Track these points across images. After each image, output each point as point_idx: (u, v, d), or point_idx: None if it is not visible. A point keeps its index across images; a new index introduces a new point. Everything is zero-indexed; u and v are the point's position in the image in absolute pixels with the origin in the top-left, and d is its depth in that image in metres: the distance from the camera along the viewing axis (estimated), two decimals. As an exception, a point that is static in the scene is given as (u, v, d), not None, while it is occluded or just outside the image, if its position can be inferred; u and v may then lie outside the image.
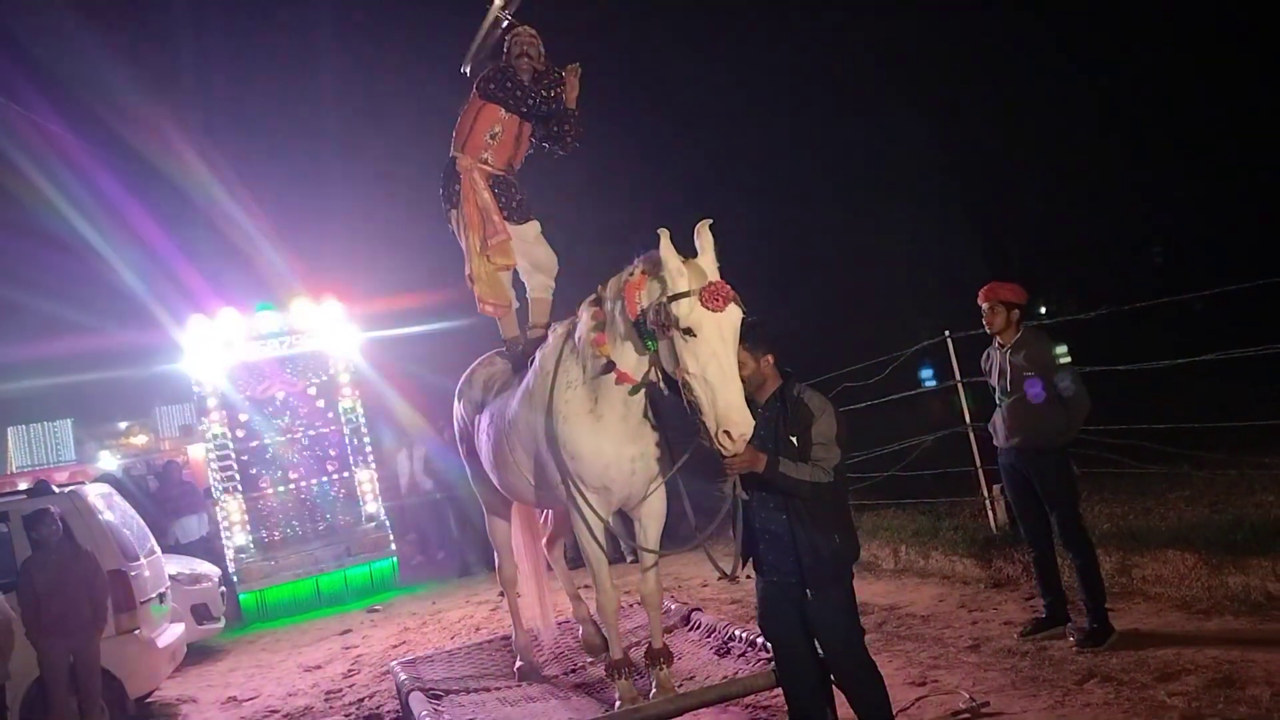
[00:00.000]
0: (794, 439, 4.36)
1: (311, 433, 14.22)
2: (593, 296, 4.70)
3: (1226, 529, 6.96)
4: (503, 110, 5.74)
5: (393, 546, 14.23)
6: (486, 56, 5.96)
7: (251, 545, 13.48)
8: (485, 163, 5.78)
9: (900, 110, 23.34)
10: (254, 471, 13.83)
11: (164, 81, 22.25)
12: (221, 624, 11.40)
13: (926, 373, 9.07)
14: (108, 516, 8.70)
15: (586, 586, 5.55)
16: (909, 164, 23.30)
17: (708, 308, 4.00)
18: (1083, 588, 6.32)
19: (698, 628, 6.07)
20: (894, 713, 4.61)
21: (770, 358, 4.46)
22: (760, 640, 5.05)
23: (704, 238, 4.18)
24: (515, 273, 6.00)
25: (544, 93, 5.71)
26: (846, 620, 4.47)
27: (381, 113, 23.61)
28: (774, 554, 4.50)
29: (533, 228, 5.98)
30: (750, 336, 4.31)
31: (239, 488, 13.62)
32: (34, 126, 17.41)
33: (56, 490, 8.77)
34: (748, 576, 4.87)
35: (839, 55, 22.98)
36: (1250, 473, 8.11)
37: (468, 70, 6.02)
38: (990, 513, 9.04)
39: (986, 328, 6.72)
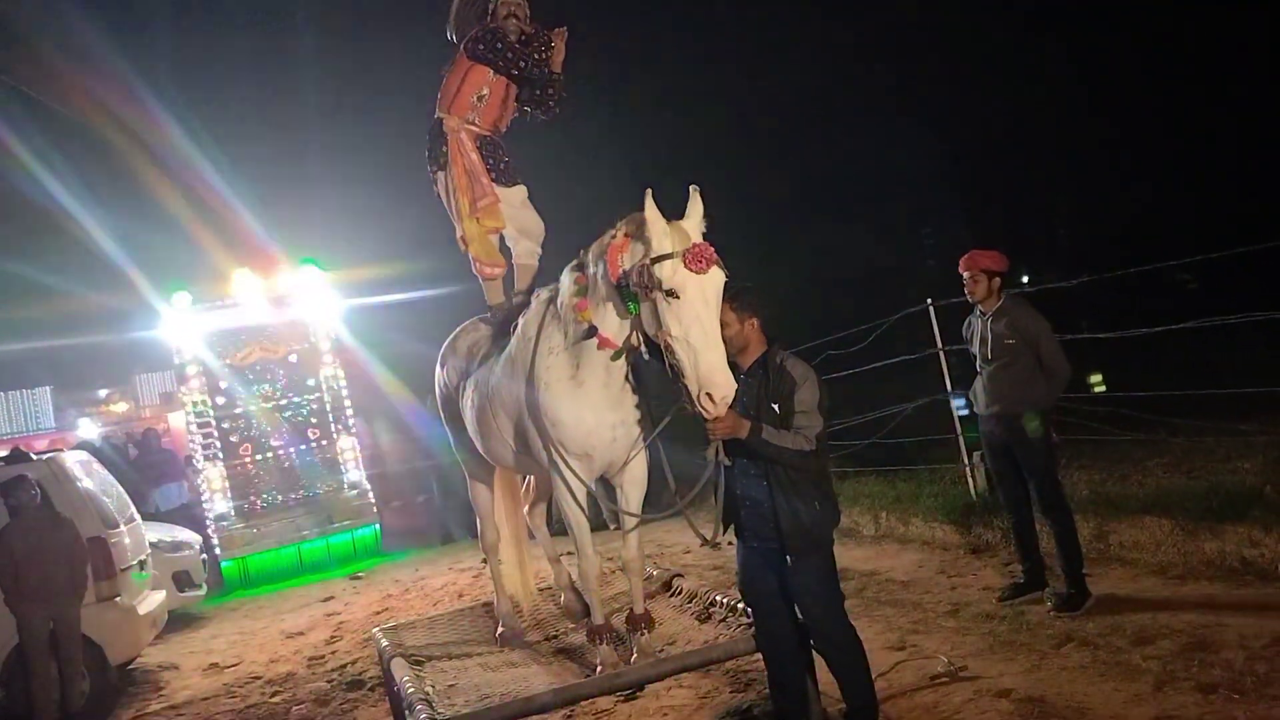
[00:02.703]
0: (776, 406, 4.36)
1: (293, 400, 14.18)
2: (575, 262, 4.67)
3: (1202, 495, 7.02)
4: (491, 72, 5.67)
5: (375, 513, 14.25)
6: (473, 18, 5.85)
7: (233, 513, 13.48)
8: (472, 124, 5.71)
9: (885, 80, 23.27)
10: (235, 439, 13.81)
11: (140, 44, 21.93)
12: (203, 591, 11.40)
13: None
14: (87, 484, 8.66)
15: (569, 553, 5.56)
16: (894, 134, 23.25)
17: (691, 269, 3.97)
18: (1060, 553, 6.38)
19: (679, 593, 6.08)
20: (873, 677, 4.65)
21: (755, 321, 4.46)
22: (741, 606, 5.07)
23: (693, 202, 4.15)
24: (501, 238, 5.95)
25: (535, 55, 5.64)
26: (826, 586, 4.49)
27: (362, 76, 23.35)
28: (754, 520, 4.52)
29: (519, 192, 5.91)
30: (738, 298, 4.31)
31: (220, 455, 13.60)
32: (7, 90, 17.16)
33: (34, 457, 8.72)
34: (729, 543, 4.89)
35: (826, 26, 22.88)
36: (1226, 440, 8.19)
37: (453, 36, 5.92)
38: (970, 479, 9.10)
39: (968, 296, 6.73)
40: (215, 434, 13.67)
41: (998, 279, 6.63)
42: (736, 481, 4.51)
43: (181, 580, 10.84)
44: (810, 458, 4.33)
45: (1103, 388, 12.35)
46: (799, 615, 4.56)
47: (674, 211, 4.16)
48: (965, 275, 6.66)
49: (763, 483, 4.40)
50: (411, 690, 4.96)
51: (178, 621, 10.76)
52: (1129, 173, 22.88)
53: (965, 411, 8.98)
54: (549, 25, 5.77)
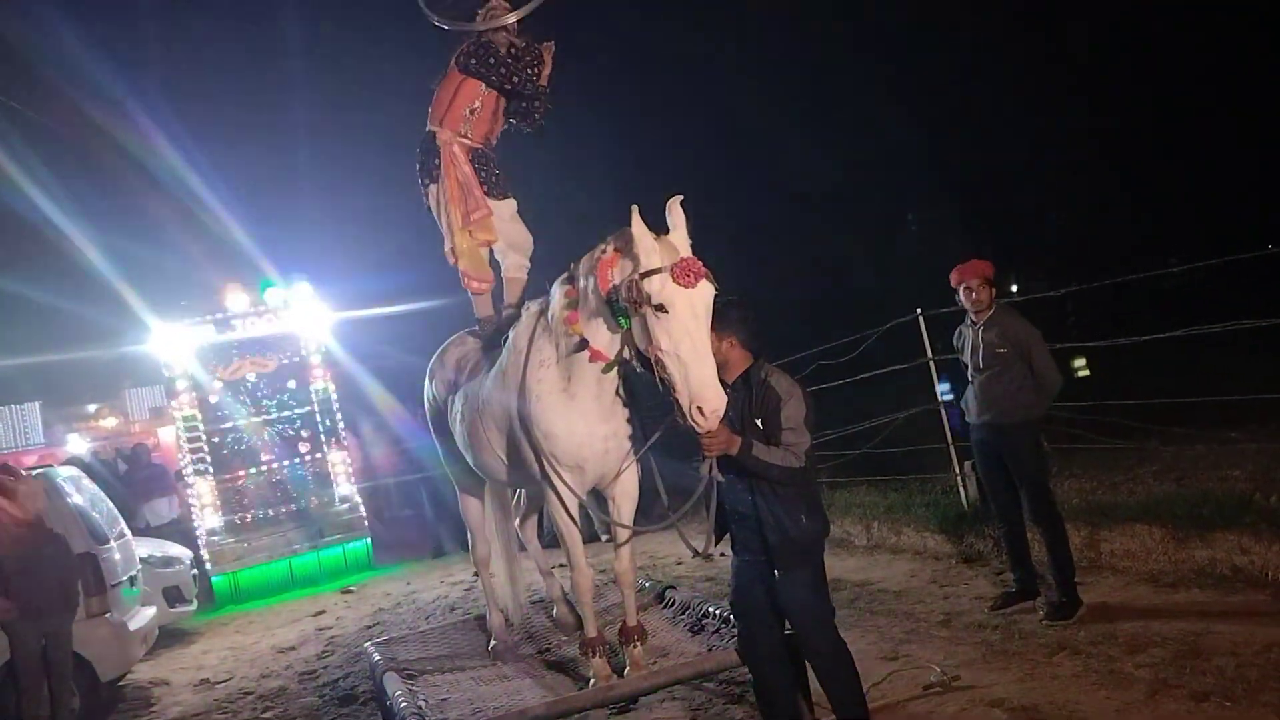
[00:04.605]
0: (759, 421, 4.35)
1: (283, 414, 14.14)
2: (565, 274, 4.67)
3: (1193, 503, 7.04)
4: (483, 85, 5.68)
5: (366, 527, 14.20)
6: (458, 14, 5.82)
7: (223, 528, 13.42)
8: (465, 137, 5.73)
9: (874, 91, 23.35)
10: (225, 454, 13.75)
11: (130, 62, 21.95)
12: (194, 606, 11.34)
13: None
14: (76, 499, 8.63)
15: (560, 565, 5.56)
16: (883, 145, 23.34)
17: (679, 284, 3.97)
18: (1052, 562, 6.39)
19: (672, 605, 6.08)
20: (866, 688, 4.64)
21: (734, 339, 4.42)
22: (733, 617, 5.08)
23: (675, 214, 4.15)
24: (491, 251, 5.95)
25: (527, 70, 5.65)
26: (815, 599, 4.46)
27: (353, 90, 23.38)
28: (743, 534, 4.51)
29: (509, 205, 5.93)
30: (717, 317, 4.26)
31: (210, 470, 13.55)
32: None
33: (24, 473, 8.67)
34: (721, 554, 4.89)
35: (814, 35, 22.97)
36: (1216, 447, 8.21)
37: (434, 18, 5.85)
38: (961, 489, 9.10)
39: (971, 305, 6.68)
40: (205, 448, 13.62)
41: (994, 288, 6.68)
42: (725, 495, 4.50)
43: (172, 595, 10.78)
44: (798, 473, 4.33)
45: (1086, 372, 12.40)
46: (789, 628, 4.55)
47: (661, 223, 4.17)
48: (972, 283, 6.60)
49: (749, 497, 4.40)
50: (404, 704, 4.95)
51: (168, 637, 10.70)
52: (1118, 180, 22.98)
53: (950, 397, 9.03)
54: (537, 38, 5.78)
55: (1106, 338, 8.37)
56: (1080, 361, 12.95)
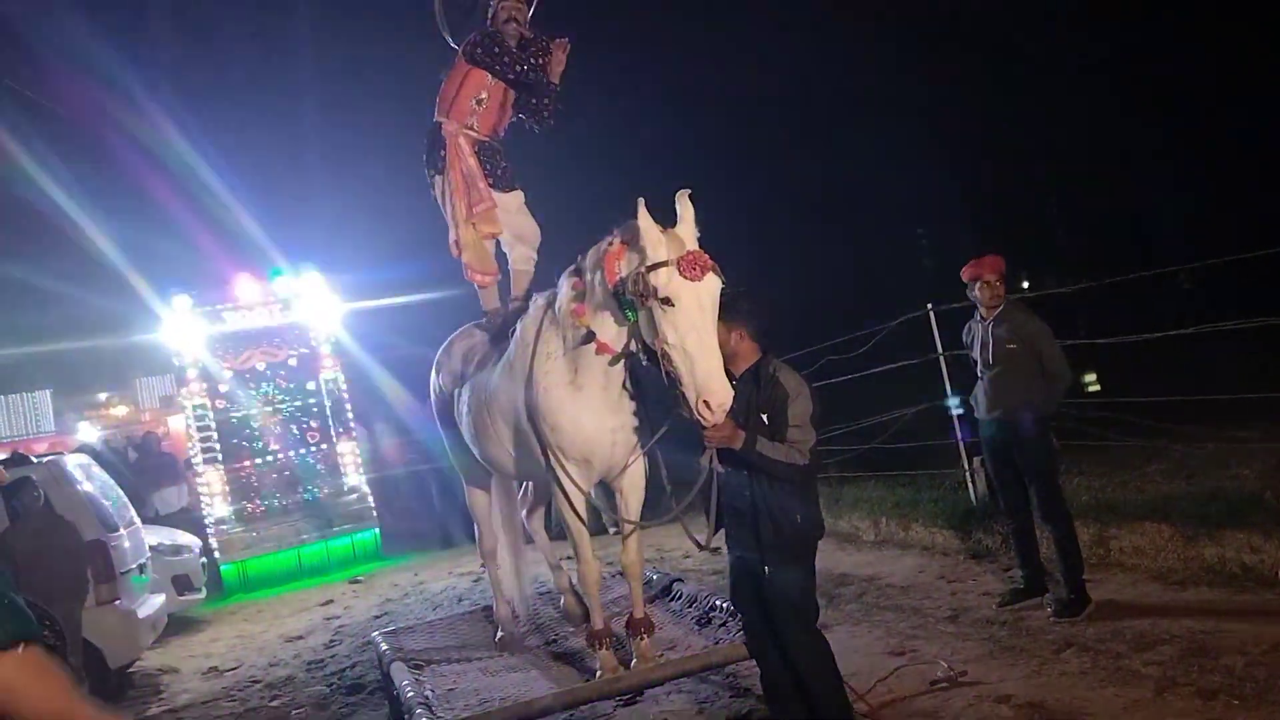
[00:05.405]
0: (765, 416, 4.33)
1: (293, 404, 14.18)
2: (572, 267, 4.67)
3: (1202, 501, 7.02)
4: (489, 76, 5.68)
5: (375, 517, 14.24)
6: (472, 23, 5.87)
7: (232, 516, 13.48)
8: (471, 128, 5.72)
9: (881, 81, 23.26)
10: (235, 443, 13.80)
11: (141, 48, 21.99)
12: (203, 595, 11.38)
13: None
14: (87, 487, 8.66)
15: (568, 557, 5.56)
16: (891, 136, 23.25)
17: (686, 277, 3.96)
18: (1060, 559, 6.37)
19: (679, 598, 6.09)
20: (871, 684, 4.62)
21: (743, 331, 4.40)
22: (739, 610, 5.07)
23: (683, 207, 4.14)
24: (497, 244, 5.95)
25: (532, 60, 5.65)
26: (801, 599, 4.41)
27: (361, 80, 23.37)
28: (738, 529, 4.48)
29: (516, 197, 5.93)
30: (725, 309, 4.24)
31: (219, 459, 13.60)
32: (7, 92, 17.18)
33: (35, 460, 8.72)
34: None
35: (820, 25, 22.88)
36: (1226, 446, 8.18)
37: (449, 37, 5.94)
38: (970, 485, 9.08)
39: (986, 301, 6.65)
40: (215, 437, 13.66)
41: (1005, 284, 6.66)
42: (723, 490, 4.48)
43: (181, 584, 10.83)
44: (802, 471, 4.31)
45: (1096, 387, 12.38)
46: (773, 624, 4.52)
47: (668, 215, 4.16)
48: (990, 278, 6.57)
49: (746, 493, 4.37)
50: (411, 694, 4.97)
51: (177, 625, 10.75)
52: (1129, 176, 22.89)
53: (960, 411, 9.01)
54: (551, 34, 5.78)
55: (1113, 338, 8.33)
56: (1091, 376, 12.92)
